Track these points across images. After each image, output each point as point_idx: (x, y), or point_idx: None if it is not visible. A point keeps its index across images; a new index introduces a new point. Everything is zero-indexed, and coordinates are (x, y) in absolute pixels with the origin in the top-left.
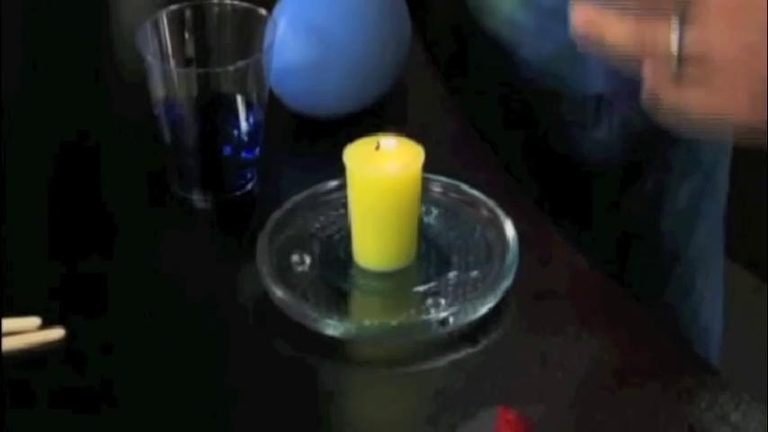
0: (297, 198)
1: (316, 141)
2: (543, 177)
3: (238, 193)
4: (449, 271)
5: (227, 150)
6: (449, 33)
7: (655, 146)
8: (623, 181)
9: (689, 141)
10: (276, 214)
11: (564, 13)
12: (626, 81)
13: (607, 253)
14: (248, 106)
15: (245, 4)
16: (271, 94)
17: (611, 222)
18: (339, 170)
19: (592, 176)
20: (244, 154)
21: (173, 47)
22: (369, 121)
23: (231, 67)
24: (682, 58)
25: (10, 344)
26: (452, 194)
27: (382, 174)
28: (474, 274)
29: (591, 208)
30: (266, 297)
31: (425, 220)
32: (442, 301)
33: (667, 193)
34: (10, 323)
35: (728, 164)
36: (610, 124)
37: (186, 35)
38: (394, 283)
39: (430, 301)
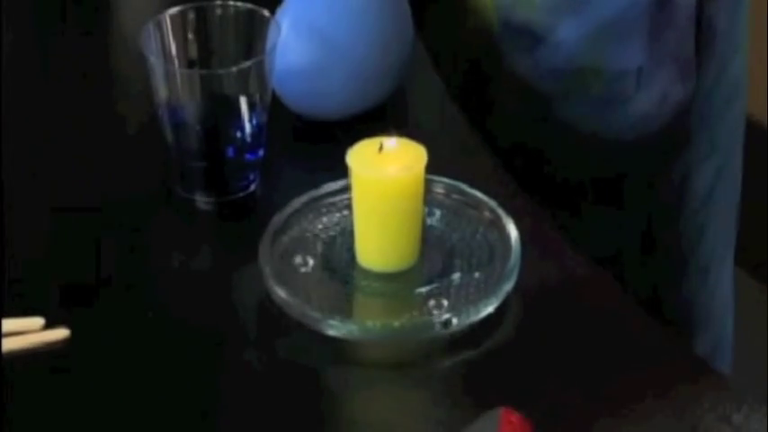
0: (300, 199)
1: (318, 143)
2: (578, 159)
3: (241, 194)
4: (451, 272)
5: (229, 152)
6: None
7: (687, 121)
8: (657, 160)
9: (709, 122)
10: (279, 216)
11: None
12: (665, 50)
13: (635, 235)
14: (251, 108)
15: (248, 6)
16: (273, 95)
17: (643, 201)
18: (342, 172)
19: (628, 154)
20: (246, 155)
21: (176, 48)
22: (371, 122)
23: (234, 69)
24: None
25: (14, 344)
26: (455, 196)
27: (385, 175)
28: (477, 275)
29: (624, 187)
30: (269, 298)
31: (428, 221)
32: (445, 303)
33: (694, 174)
34: (14, 323)
35: (741, 152)
36: (650, 96)
37: (189, 37)
38: (397, 284)
39: (433, 302)
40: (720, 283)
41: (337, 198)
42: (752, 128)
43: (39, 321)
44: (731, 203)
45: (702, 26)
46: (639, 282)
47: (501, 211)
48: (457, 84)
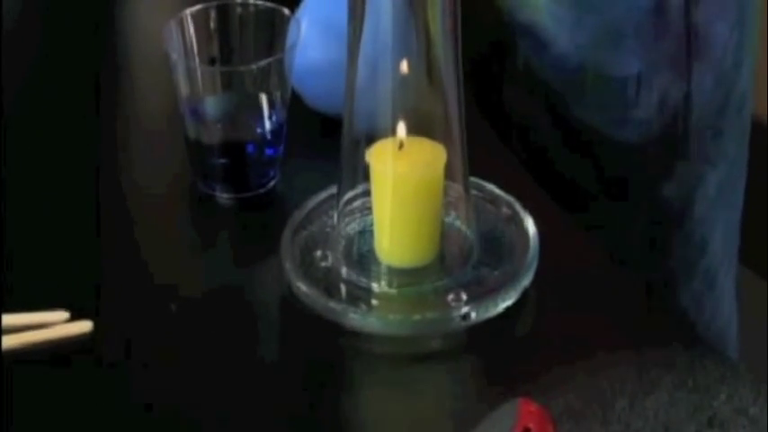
0: (320, 195)
1: (337, 140)
2: (583, 162)
3: (262, 190)
4: (470, 267)
5: (250, 148)
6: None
7: (688, 125)
8: (662, 163)
9: (718, 130)
10: (299, 211)
11: (597, 3)
12: (662, 54)
13: (641, 236)
14: (271, 105)
15: (269, 4)
16: (293, 92)
17: (649, 205)
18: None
19: (632, 159)
20: (267, 152)
21: (197, 45)
22: None
23: (254, 66)
24: None
25: (38, 336)
26: (473, 192)
27: (405, 172)
28: (495, 270)
29: (629, 191)
30: (290, 292)
31: (447, 217)
32: (464, 297)
33: (700, 181)
34: (38, 316)
35: (746, 160)
36: (649, 101)
37: (210, 34)
38: (416, 278)
39: (452, 296)
40: (726, 289)
41: (357, 193)
42: (753, 128)
43: (63, 315)
44: (736, 211)
45: (691, 32)
46: (650, 280)
47: (519, 207)
48: (468, 76)
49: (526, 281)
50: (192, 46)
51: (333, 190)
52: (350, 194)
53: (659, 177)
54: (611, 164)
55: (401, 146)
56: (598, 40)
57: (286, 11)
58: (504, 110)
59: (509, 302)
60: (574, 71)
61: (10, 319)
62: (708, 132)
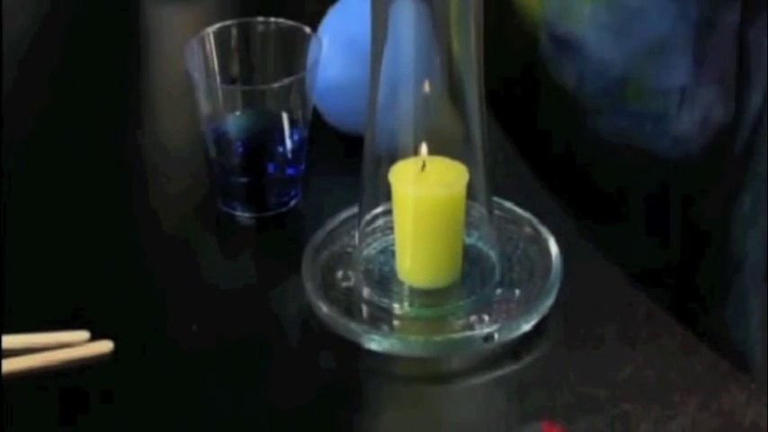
0: (341, 215)
1: (359, 158)
2: (620, 175)
3: (283, 209)
4: (492, 288)
5: (271, 167)
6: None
7: (732, 144)
8: (698, 180)
9: (753, 148)
10: (321, 231)
11: (649, 11)
12: (708, 71)
13: (674, 256)
14: (292, 123)
15: (290, 23)
16: (314, 111)
17: (686, 222)
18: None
19: (670, 173)
20: (288, 171)
21: (219, 64)
22: None
23: (276, 85)
24: None
25: (59, 357)
26: (496, 212)
27: (427, 192)
28: (517, 290)
29: (666, 206)
30: (311, 313)
31: (468, 237)
32: (486, 318)
33: (735, 199)
34: (59, 336)
35: None
36: (692, 116)
37: (232, 53)
38: (438, 299)
39: (474, 317)
40: (756, 308)
41: (379, 213)
42: None
43: (84, 335)
44: (764, 229)
45: (744, 50)
46: (677, 302)
47: (542, 227)
48: (499, 93)
49: (549, 301)
50: (213, 65)
51: (354, 209)
52: (371, 214)
53: (695, 195)
54: (645, 179)
55: (423, 166)
56: (643, 50)
57: (307, 29)
58: (535, 123)
59: (531, 323)
60: (615, 81)
61: (30, 339)
62: (745, 151)
